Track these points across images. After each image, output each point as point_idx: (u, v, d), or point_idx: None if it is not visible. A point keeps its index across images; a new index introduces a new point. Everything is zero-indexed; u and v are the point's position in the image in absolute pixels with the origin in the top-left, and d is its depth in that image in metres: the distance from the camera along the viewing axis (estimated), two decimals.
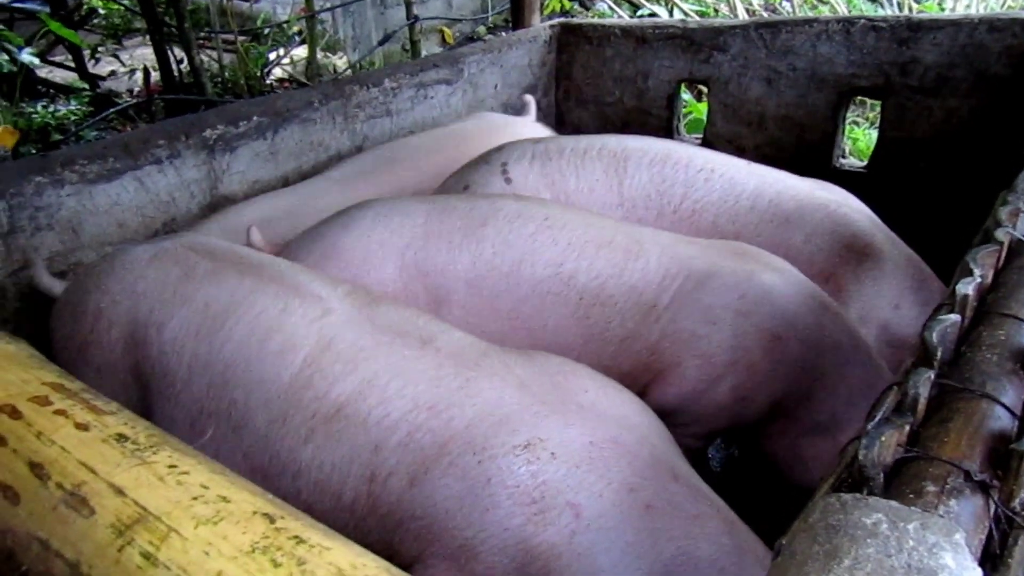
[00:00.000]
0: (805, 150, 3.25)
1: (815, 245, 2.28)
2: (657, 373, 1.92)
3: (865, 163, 3.26)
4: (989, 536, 0.88)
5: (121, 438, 0.66)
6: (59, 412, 0.69)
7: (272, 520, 0.57)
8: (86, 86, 5.81)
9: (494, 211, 2.00)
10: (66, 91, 5.87)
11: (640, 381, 1.95)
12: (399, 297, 1.97)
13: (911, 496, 0.87)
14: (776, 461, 1.99)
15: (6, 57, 4.48)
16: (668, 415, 1.95)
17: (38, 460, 0.64)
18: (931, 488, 0.87)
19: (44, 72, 6.02)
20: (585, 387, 1.53)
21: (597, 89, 3.79)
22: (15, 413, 0.68)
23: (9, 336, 0.87)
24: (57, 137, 4.92)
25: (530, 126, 3.14)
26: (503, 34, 4.13)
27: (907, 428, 0.93)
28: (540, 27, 3.80)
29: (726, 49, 3.34)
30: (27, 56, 4.58)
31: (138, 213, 2.45)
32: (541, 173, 2.43)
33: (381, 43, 6.02)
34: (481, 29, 6.66)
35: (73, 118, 5.31)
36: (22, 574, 0.59)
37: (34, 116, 5.13)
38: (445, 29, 6.04)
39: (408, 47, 6.01)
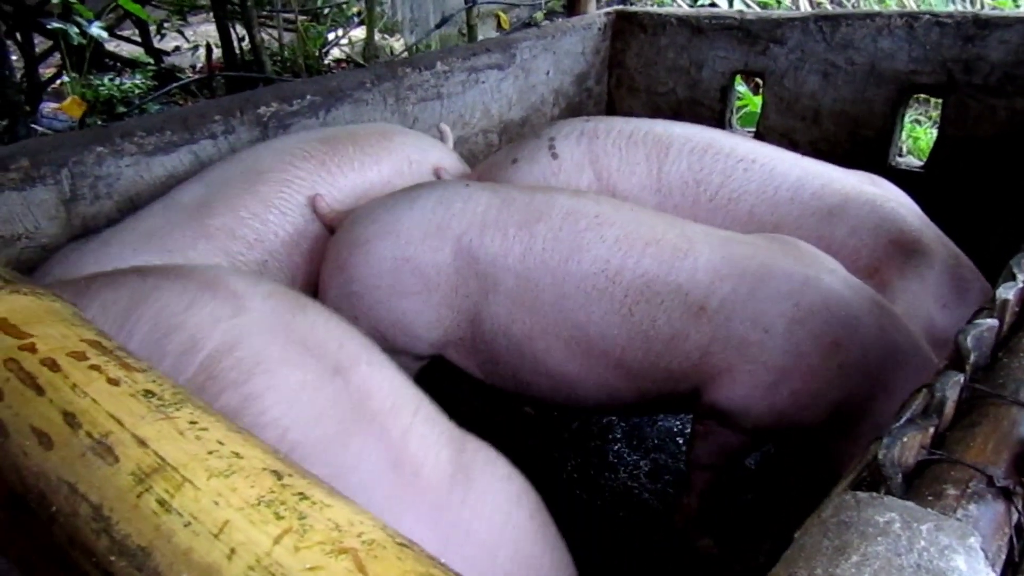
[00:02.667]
0: (860, 147, 3.18)
1: (859, 239, 2.23)
2: (708, 376, 1.89)
3: (923, 163, 3.18)
4: (1013, 545, 0.87)
5: (148, 394, 0.70)
6: (94, 367, 0.73)
7: (280, 477, 0.60)
8: (151, 61, 5.98)
9: (549, 206, 1.99)
10: (132, 65, 6.06)
11: (691, 381, 1.92)
12: (451, 281, 1.97)
13: (930, 498, 0.86)
14: (835, 463, 1.96)
15: (76, 30, 4.63)
16: (723, 416, 1.93)
17: (71, 410, 0.69)
18: (951, 491, 0.86)
19: (112, 46, 6.21)
20: (480, 509, 1.30)
21: (650, 79, 3.76)
22: (54, 366, 0.73)
23: (54, 295, 0.92)
24: (122, 109, 5.08)
25: (433, 149, 2.63)
26: (559, 20, 4.11)
27: (931, 430, 0.92)
28: (595, 14, 3.78)
29: (783, 41, 3.28)
30: (96, 30, 4.72)
31: None
32: (587, 151, 2.45)
33: (438, 26, 6.04)
34: (538, 15, 6.63)
35: (138, 91, 5.48)
36: (52, 514, 0.64)
37: (101, 88, 5.32)
38: (501, 14, 6.03)
39: (465, 31, 6.03)
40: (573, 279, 1.92)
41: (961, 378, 0.98)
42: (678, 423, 2.81)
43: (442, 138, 2.86)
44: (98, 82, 5.43)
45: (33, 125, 4.49)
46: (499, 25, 6.09)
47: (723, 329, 1.85)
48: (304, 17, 6.37)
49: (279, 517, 0.57)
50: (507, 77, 3.42)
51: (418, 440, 1.33)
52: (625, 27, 3.77)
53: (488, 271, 1.96)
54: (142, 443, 0.65)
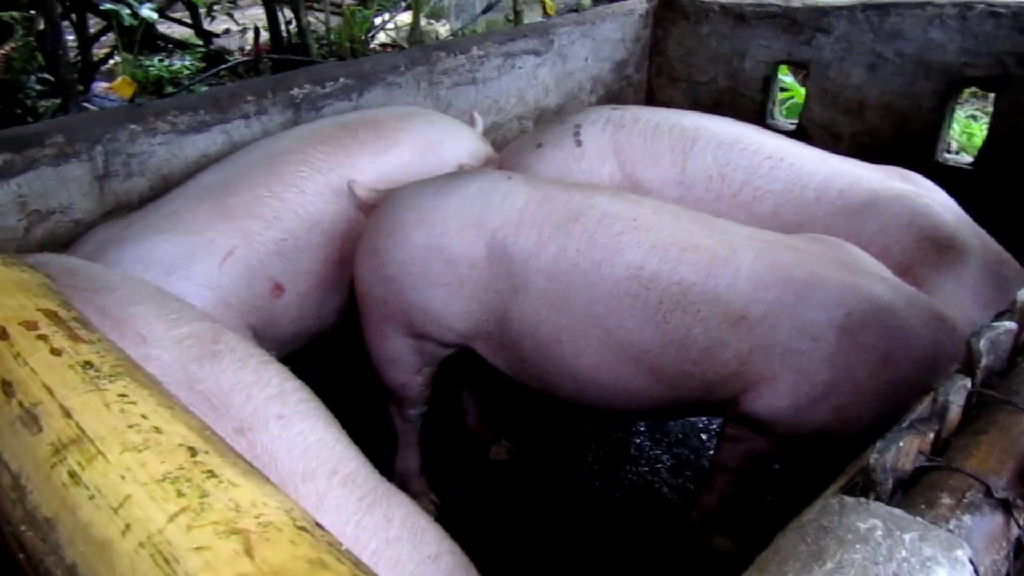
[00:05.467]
0: (906, 142, 3.07)
1: (889, 236, 2.15)
2: (747, 384, 1.82)
3: (972, 159, 3.05)
4: (1011, 561, 0.82)
5: (87, 365, 0.70)
6: (41, 337, 0.74)
7: (194, 453, 0.60)
8: (200, 43, 6.07)
9: (587, 207, 1.93)
10: (182, 46, 6.15)
11: (727, 390, 1.85)
12: (482, 276, 1.94)
13: (923, 506, 0.82)
14: None
15: (128, 11, 4.73)
16: (759, 425, 1.87)
17: (9, 379, 0.69)
18: (946, 500, 0.82)
19: (162, 27, 6.31)
20: None
21: (690, 67, 3.68)
22: (3, 334, 0.74)
23: (26, 265, 0.92)
24: (171, 90, 5.17)
25: (454, 133, 2.57)
26: (600, 6, 4.05)
27: (930, 436, 0.88)
28: (636, 0, 3.71)
29: (829, 31, 3.17)
30: (147, 11, 4.82)
31: None
32: (612, 139, 2.42)
33: (484, 11, 6.01)
34: (585, 1, 6.55)
35: (186, 72, 5.57)
36: None
37: (151, 69, 5.41)
38: (547, 0, 5.98)
39: (511, 17, 5.98)
40: (605, 283, 1.86)
41: (968, 383, 0.93)
42: (703, 418, 2.76)
43: (473, 125, 2.84)
44: (148, 63, 5.52)
45: (85, 104, 4.59)
46: (544, 11, 6.03)
47: (767, 338, 1.77)
48: (351, 1, 6.40)
49: (180, 494, 0.57)
50: (544, 63, 3.38)
51: (334, 510, 1.19)
52: (667, 14, 3.70)
53: (520, 270, 1.92)
54: (67, 414, 0.65)
